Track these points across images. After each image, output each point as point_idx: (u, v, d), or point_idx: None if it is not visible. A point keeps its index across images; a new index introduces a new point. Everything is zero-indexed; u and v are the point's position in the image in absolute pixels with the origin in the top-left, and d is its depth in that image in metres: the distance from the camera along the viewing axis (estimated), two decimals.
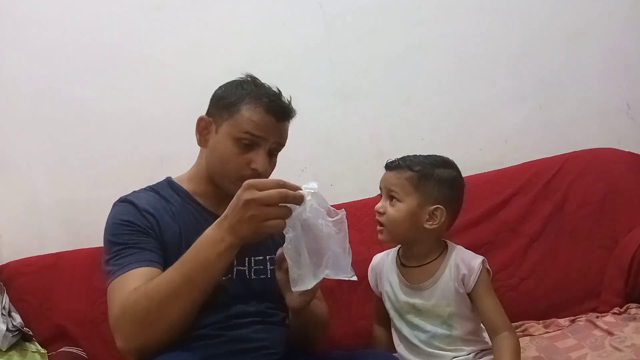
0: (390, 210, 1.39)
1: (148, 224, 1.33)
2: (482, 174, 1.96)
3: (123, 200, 1.40)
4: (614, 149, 1.96)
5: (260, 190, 1.09)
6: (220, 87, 1.45)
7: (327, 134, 2.15)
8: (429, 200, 1.38)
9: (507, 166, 2.00)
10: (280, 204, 1.10)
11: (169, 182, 1.49)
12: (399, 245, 1.51)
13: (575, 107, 2.15)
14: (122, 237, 1.31)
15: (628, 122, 2.15)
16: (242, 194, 1.10)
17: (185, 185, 1.47)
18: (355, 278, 1.15)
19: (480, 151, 2.12)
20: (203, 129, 1.42)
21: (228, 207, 1.14)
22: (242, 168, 1.36)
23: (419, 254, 1.44)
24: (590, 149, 1.96)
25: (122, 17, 2.11)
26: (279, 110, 1.38)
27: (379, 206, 1.42)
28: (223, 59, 2.09)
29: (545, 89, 2.16)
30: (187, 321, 1.20)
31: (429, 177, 1.39)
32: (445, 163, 1.44)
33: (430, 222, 1.38)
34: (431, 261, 1.44)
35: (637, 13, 2.15)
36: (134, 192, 1.45)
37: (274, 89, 1.42)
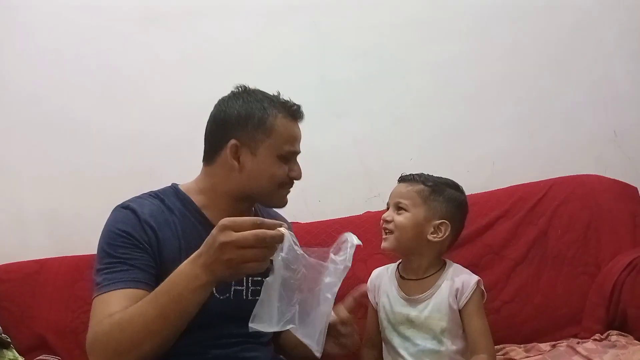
0: (398, 218, 1.43)
1: (146, 238, 1.28)
2: (468, 195, 1.94)
3: (125, 207, 1.33)
4: (600, 176, 1.97)
5: (236, 231, 1.03)
6: (225, 105, 1.40)
7: (317, 152, 2.13)
8: (436, 215, 1.44)
9: (493, 189, 2.01)
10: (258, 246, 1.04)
11: (174, 189, 1.43)
12: (399, 261, 1.54)
13: (563, 133, 2.17)
14: (117, 249, 1.25)
15: (615, 150, 2.17)
16: (218, 236, 1.04)
17: (193, 197, 1.40)
18: (319, 355, 1.07)
19: (467, 173, 2.13)
20: (235, 154, 1.36)
21: (204, 244, 1.08)
22: (284, 179, 1.38)
23: (419, 268, 1.47)
24: (576, 175, 1.96)
25: (115, 28, 2.12)
26: (299, 112, 1.43)
27: (386, 215, 1.47)
28: (214, 73, 2.10)
29: (534, 115, 2.18)
30: (161, 351, 1.15)
31: (440, 193, 1.45)
32: (457, 186, 1.52)
33: (435, 235, 1.43)
34: (429, 275, 1.46)
35: (624, 43, 2.19)
36: (137, 197, 1.38)
37: (276, 93, 1.43)
